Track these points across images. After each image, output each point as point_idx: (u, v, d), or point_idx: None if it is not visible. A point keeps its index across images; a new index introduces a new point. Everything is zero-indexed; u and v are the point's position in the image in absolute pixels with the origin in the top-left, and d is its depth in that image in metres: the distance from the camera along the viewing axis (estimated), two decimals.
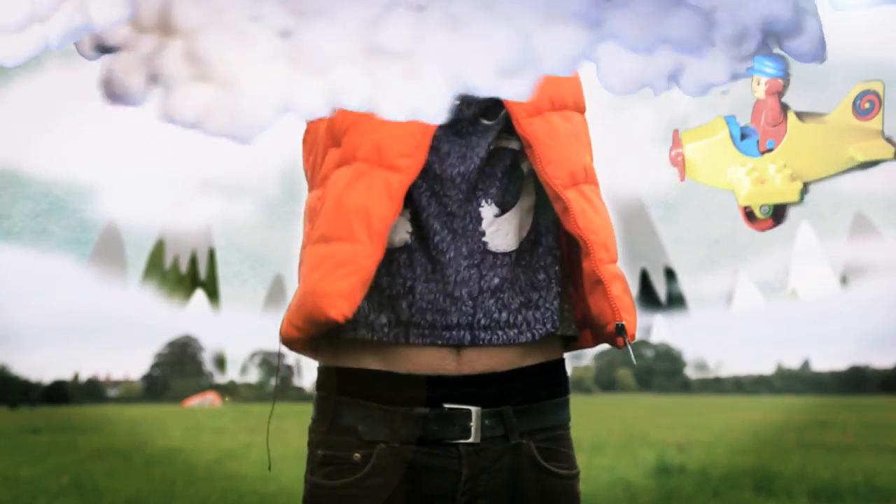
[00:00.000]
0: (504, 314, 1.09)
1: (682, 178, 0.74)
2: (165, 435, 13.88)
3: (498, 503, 1.09)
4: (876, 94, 0.71)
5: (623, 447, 10.65)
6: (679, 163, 0.74)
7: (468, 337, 1.08)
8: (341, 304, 1.02)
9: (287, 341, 1.12)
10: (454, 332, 1.07)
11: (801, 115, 0.72)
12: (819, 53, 0.65)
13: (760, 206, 0.72)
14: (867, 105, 0.71)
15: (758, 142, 0.72)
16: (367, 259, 1.02)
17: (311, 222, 1.12)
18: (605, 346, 1.20)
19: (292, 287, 1.15)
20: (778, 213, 0.72)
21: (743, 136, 0.72)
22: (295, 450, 1.16)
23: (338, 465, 1.09)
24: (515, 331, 1.10)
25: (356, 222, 1.02)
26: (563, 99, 1.12)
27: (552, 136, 1.08)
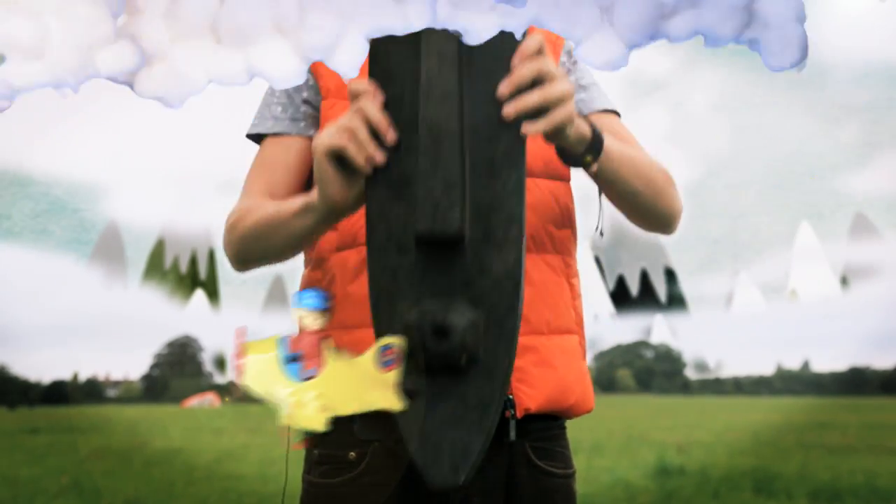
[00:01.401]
0: None
1: (241, 385, 0.81)
2: (165, 435, 13.87)
3: (492, 502, 1.08)
4: (395, 347, 0.79)
5: (623, 448, 10.64)
6: (240, 371, 0.80)
7: None
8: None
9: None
10: None
11: (338, 352, 0.80)
12: (797, 61, 0.69)
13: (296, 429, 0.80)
14: (388, 358, 0.79)
15: (300, 368, 0.78)
16: None
17: None
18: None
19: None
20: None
21: (291, 360, 0.79)
22: (294, 450, 1.14)
23: (333, 463, 1.09)
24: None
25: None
26: (528, 164, 1.12)
27: None
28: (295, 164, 1.19)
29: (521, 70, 0.86)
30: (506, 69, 0.87)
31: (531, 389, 1.07)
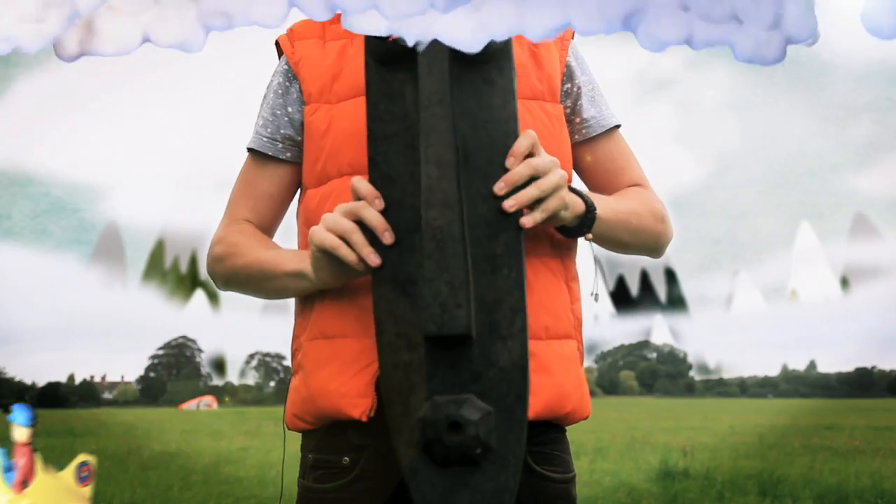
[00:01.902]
0: None
1: None
2: (162, 438, 13.84)
3: None
4: (90, 465, 0.85)
5: (626, 451, 10.59)
6: None
7: None
8: (361, 402, 1.05)
9: (294, 429, 1.16)
10: None
11: (46, 467, 0.84)
12: (811, 33, 0.66)
13: None
14: (84, 473, 0.85)
15: (14, 477, 0.83)
16: (375, 352, 1.02)
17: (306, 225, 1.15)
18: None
19: None
20: None
21: (8, 469, 0.83)
22: (292, 453, 1.13)
23: (327, 468, 1.09)
24: None
25: (355, 321, 1.07)
26: (532, 88, 1.14)
27: None
28: (278, 194, 1.24)
29: (519, 169, 0.94)
30: (501, 168, 0.93)
31: (530, 396, 1.03)
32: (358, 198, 0.95)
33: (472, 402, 0.88)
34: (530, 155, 0.95)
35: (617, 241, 1.16)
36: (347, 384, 1.05)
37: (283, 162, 1.21)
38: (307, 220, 1.13)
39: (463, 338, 0.88)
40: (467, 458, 0.86)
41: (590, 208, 1.07)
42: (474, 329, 0.88)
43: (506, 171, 0.94)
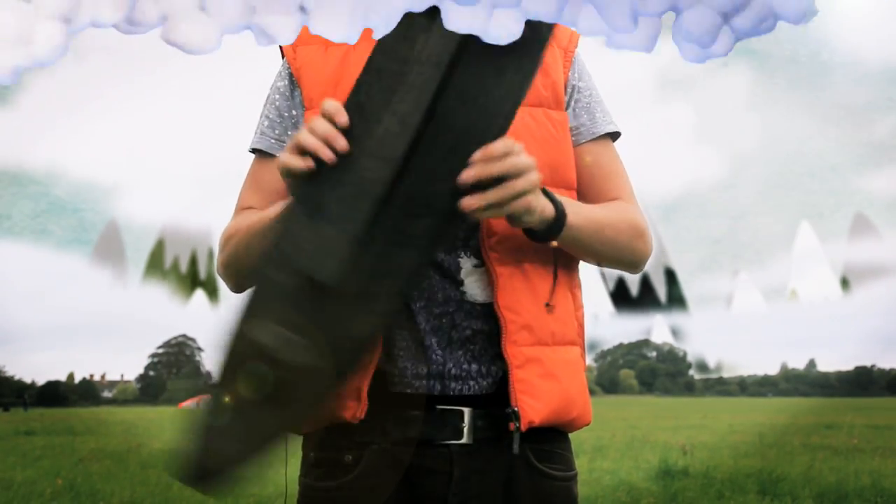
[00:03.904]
0: (475, 365, 1.09)
1: None
2: (162, 437, 13.81)
3: None
4: None
5: (626, 449, 10.59)
6: None
7: (438, 387, 1.07)
8: (352, 405, 1.04)
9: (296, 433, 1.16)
10: (424, 382, 1.07)
11: None
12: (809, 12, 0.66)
13: None
14: None
15: None
16: (368, 357, 1.02)
17: None
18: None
19: None
20: None
21: None
22: (294, 452, 1.12)
23: (329, 466, 1.09)
24: (490, 380, 1.09)
25: None
26: (537, 94, 1.13)
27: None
28: (285, 190, 1.22)
29: (490, 167, 0.89)
30: (465, 153, 0.89)
31: (536, 402, 1.07)
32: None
33: (298, 342, 0.85)
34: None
35: (589, 250, 1.13)
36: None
37: None
38: None
39: (326, 289, 0.85)
40: (263, 386, 0.85)
41: (559, 214, 1.04)
42: (343, 288, 0.86)
43: (469, 163, 0.89)
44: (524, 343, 1.08)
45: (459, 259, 1.10)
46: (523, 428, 1.05)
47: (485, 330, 1.09)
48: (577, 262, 1.19)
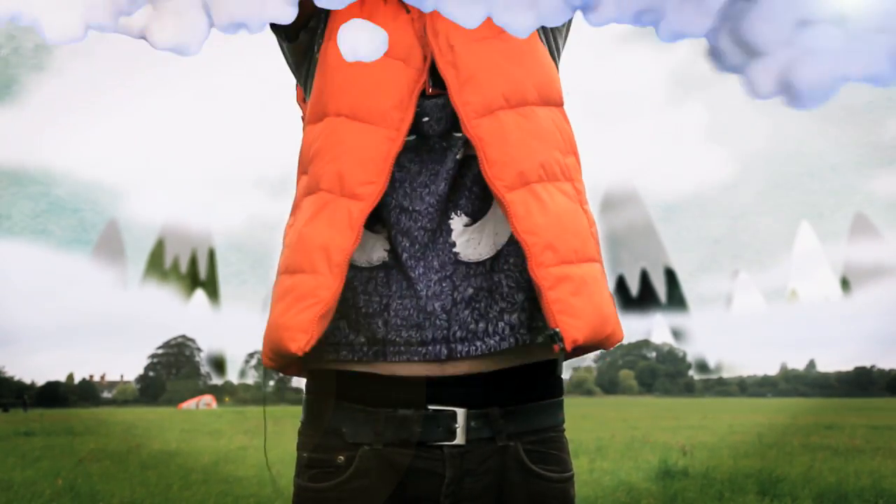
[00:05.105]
0: (482, 324, 1.08)
1: None
2: (161, 437, 13.82)
3: None
4: None
5: (625, 450, 10.57)
6: None
7: (444, 351, 1.07)
8: (300, 337, 1.03)
9: (269, 368, 1.15)
10: (430, 348, 1.07)
11: None
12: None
13: None
14: None
15: None
16: (327, 291, 1.04)
17: (297, 206, 1.15)
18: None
19: None
20: None
21: None
22: (292, 452, 1.17)
23: (322, 467, 1.09)
24: (497, 338, 1.08)
25: (317, 254, 1.05)
26: (523, 94, 1.10)
27: (499, 136, 1.06)
28: None
29: None
30: None
31: (576, 320, 1.04)
32: None
33: None
34: None
35: None
36: (295, 318, 1.04)
37: None
38: (301, 160, 1.14)
39: None
40: None
41: None
42: None
43: None
44: (550, 263, 1.05)
45: (450, 221, 1.09)
46: (568, 348, 1.03)
47: (485, 287, 1.08)
48: (581, 176, 1.17)
